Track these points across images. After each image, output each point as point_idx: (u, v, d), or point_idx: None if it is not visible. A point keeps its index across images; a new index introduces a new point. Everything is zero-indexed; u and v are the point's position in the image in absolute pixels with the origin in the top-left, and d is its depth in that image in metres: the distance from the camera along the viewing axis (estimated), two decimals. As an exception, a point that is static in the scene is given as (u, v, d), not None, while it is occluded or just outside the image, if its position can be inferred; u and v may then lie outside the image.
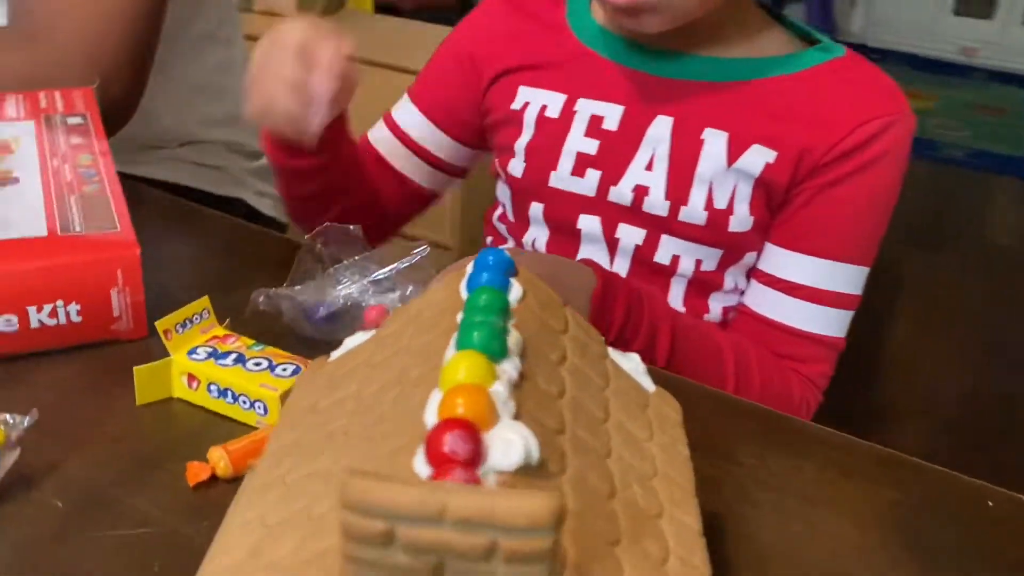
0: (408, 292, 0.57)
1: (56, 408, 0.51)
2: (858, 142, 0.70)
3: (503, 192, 0.82)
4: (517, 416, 0.30)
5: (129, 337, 0.57)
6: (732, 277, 0.76)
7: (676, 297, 0.76)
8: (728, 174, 0.71)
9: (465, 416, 0.28)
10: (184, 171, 1.07)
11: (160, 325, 0.52)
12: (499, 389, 0.30)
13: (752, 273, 0.76)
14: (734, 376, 0.69)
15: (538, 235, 0.79)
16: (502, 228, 0.84)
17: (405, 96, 0.86)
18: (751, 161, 0.70)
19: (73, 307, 0.55)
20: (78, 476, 0.48)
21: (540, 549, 0.23)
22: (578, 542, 0.28)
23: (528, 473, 0.28)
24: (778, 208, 0.73)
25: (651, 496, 0.34)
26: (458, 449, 0.27)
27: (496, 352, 0.32)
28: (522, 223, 0.80)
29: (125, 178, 0.66)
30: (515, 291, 0.37)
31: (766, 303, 0.74)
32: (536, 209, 0.78)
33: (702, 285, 0.76)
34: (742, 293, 0.77)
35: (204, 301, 0.55)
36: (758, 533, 0.47)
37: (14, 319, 0.54)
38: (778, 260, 0.73)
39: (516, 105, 0.78)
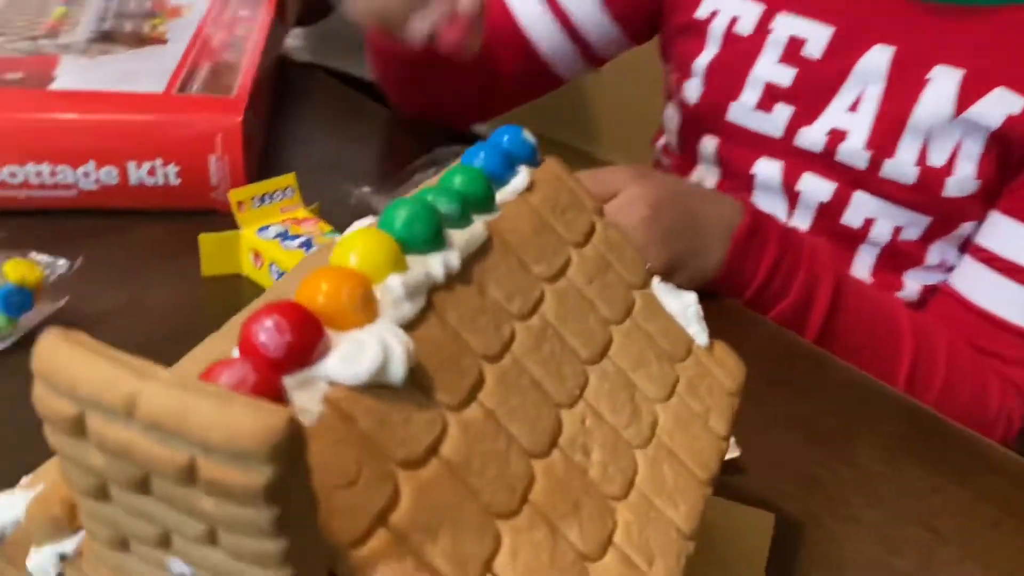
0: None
1: (124, 266, 0.50)
2: None
3: (671, 117, 0.71)
4: (417, 322, 0.23)
5: (227, 209, 0.55)
6: (939, 251, 0.61)
7: (863, 268, 0.62)
8: (954, 125, 0.56)
9: (319, 305, 0.21)
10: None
11: (234, 195, 0.49)
12: (393, 284, 0.23)
13: (967, 247, 0.60)
14: (909, 365, 0.55)
15: (706, 176, 0.68)
16: (666, 162, 0.73)
17: None
18: (989, 110, 0.55)
19: (172, 168, 0.53)
20: (122, 332, 0.46)
21: (248, 485, 0.15)
22: (434, 498, 0.20)
23: (391, 396, 0.21)
24: (1016, 168, 0.56)
25: (620, 470, 0.25)
26: (268, 341, 0.20)
27: (418, 239, 0.24)
28: (689, 158, 0.69)
29: (331, 74, 0.64)
30: (517, 181, 0.29)
31: (979, 286, 0.59)
32: (708, 144, 0.66)
33: (898, 256, 0.61)
34: (949, 270, 0.61)
35: (289, 178, 0.51)
36: (840, 558, 0.36)
37: (115, 172, 0.53)
38: (1004, 234, 0.58)
39: (702, 13, 0.65)
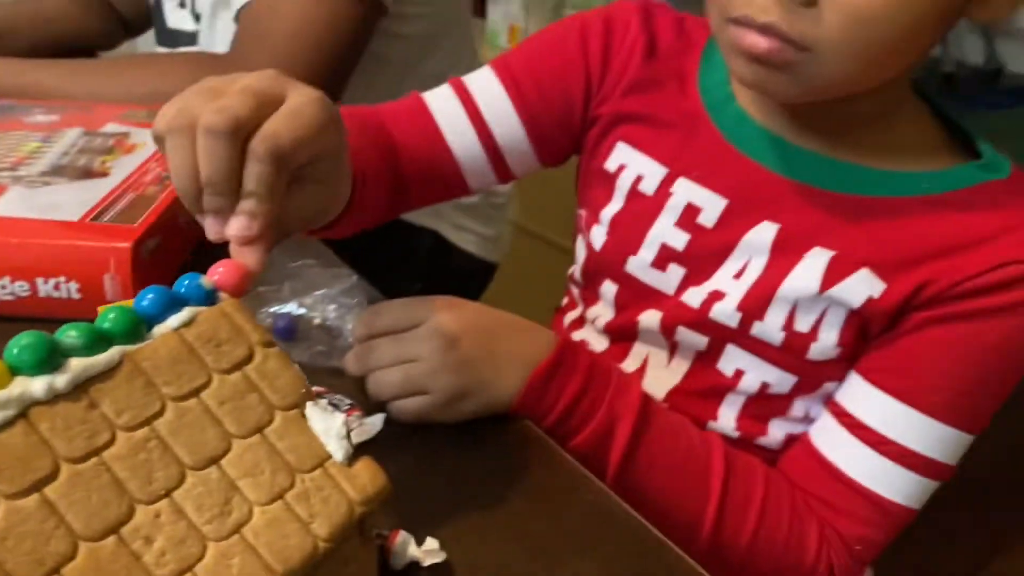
0: (330, 314, 0.57)
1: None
2: (996, 281, 0.57)
3: (580, 250, 0.76)
4: (6, 424, 0.30)
5: (120, 320, 0.64)
6: (803, 404, 0.65)
7: (729, 414, 0.66)
8: (820, 299, 0.60)
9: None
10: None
11: (103, 310, 0.58)
12: (-17, 396, 0.30)
13: (826, 399, 0.64)
14: (717, 507, 0.58)
15: (603, 313, 0.73)
16: (575, 291, 0.78)
17: (486, 67, 0.74)
18: (851, 289, 0.60)
19: (73, 284, 0.63)
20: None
21: None
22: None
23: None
24: (876, 336, 0.61)
25: (178, 558, 0.31)
26: None
27: (27, 364, 0.32)
28: (591, 295, 0.74)
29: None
30: (174, 319, 0.36)
31: (826, 437, 0.62)
32: (608, 288, 0.71)
33: (765, 406, 0.65)
34: (812, 421, 0.65)
35: (155, 297, 0.60)
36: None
37: (27, 286, 0.63)
38: (854, 391, 0.62)
39: (611, 165, 0.70)
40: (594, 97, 0.70)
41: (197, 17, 1.15)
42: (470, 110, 0.71)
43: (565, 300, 0.81)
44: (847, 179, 0.61)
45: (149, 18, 1.37)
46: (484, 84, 0.72)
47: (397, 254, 1.15)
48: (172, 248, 0.71)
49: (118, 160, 0.77)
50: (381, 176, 0.66)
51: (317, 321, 0.58)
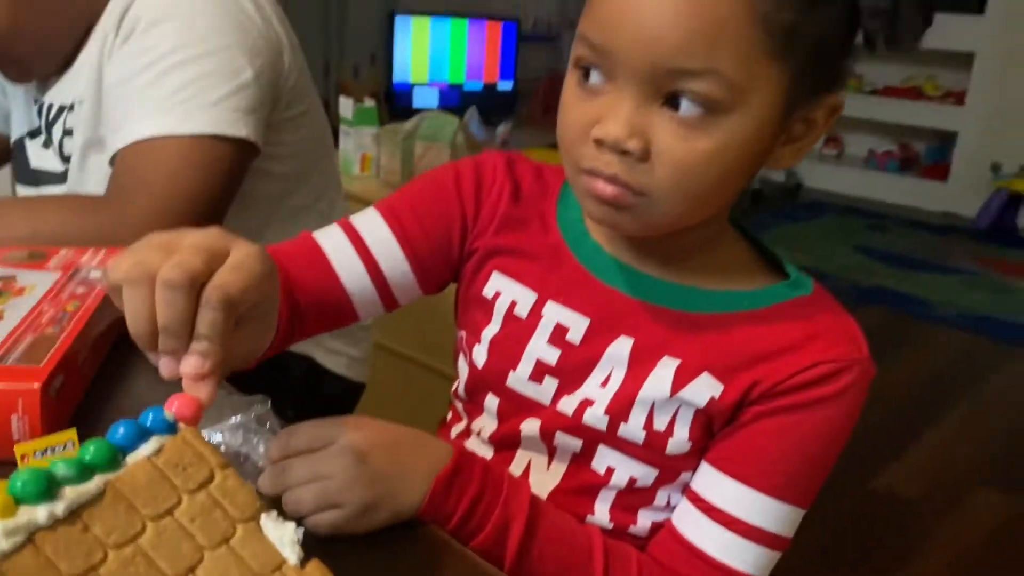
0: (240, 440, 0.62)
1: None
2: (811, 379, 0.68)
3: (462, 368, 0.83)
4: (14, 552, 0.34)
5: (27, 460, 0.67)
6: (665, 493, 0.75)
7: (603, 508, 0.75)
8: (672, 401, 0.71)
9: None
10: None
11: (19, 449, 0.60)
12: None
13: (683, 488, 0.74)
14: None
15: (486, 425, 0.80)
16: (458, 405, 0.86)
17: (372, 209, 0.81)
18: (697, 391, 0.70)
19: (-20, 425, 0.65)
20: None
21: None
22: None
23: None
24: (719, 429, 0.72)
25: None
26: None
27: (30, 495, 0.36)
28: (475, 408, 0.81)
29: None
30: (144, 448, 0.42)
31: (686, 520, 0.72)
32: (491, 401, 0.79)
33: (633, 498, 0.75)
34: (674, 509, 0.75)
35: (70, 432, 0.63)
36: None
37: (-67, 428, 0.65)
38: (705, 478, 0.72)
39: (488, 292, 0.78)
40: (470, 233, 0.80)
41: (65, 158, 1.18)
42: (359, 247, 0.79)
43: (450, 415, 0.88)
44: (684, 298, 0.73)
45: (4, 158, 1.38)
46: (371, 224, 0.80)
47: (272, 382, 1.19)
48: (73, 386, 0.74)
49: (9, 303, 0.79)
50: (283, 311, 0.73)
51: (232, 447, 0.63)
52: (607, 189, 0.63)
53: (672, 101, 0.60)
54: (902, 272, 3.85)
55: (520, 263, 0.78)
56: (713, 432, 0.72)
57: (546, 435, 0.75)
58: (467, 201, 0.80)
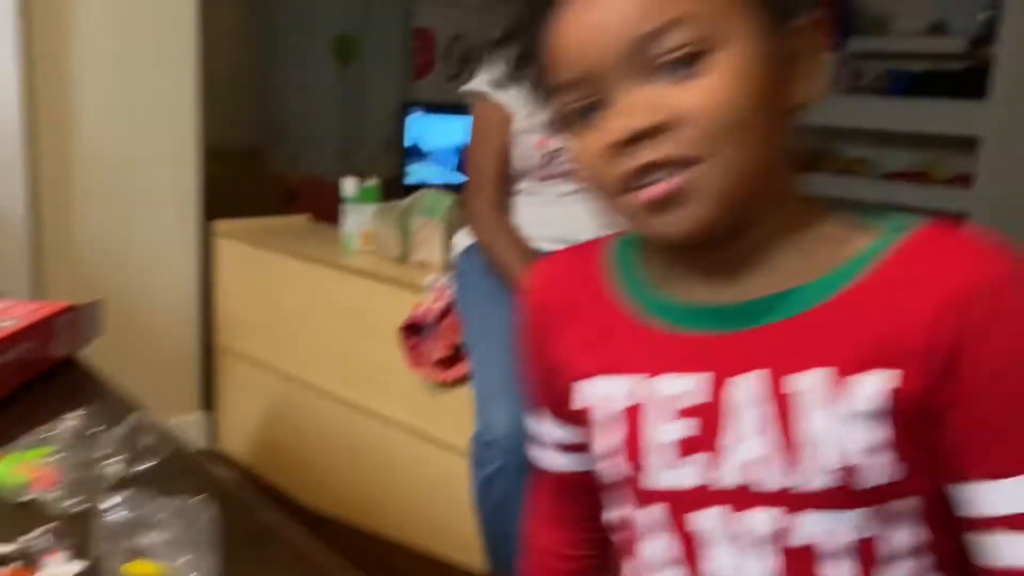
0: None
1: None
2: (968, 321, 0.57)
3: (608, 497, 0.75)
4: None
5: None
6: (897, 534, 0.62)
7: None
8: (842, 419, 0.59)
9: None
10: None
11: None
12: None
13: (959, 523, 0.61)
14: None
15: (655, 546, 0.69)
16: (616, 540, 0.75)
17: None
18: (870, 392, 0.59)
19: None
20: None
21: None
22: None
23: None
24: (929, 433, 0.59)
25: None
26: None
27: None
28: (630, 531, 0.71)
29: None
30: None
31: (998, 550, 0.59)
32: (645, 516, 0.69)
33: (862, 559, 0.62)
34: (927, 544, 0.63)
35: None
36: None
37: None
38: (969, 495, 0.59)
39: (576, 405, 0.71)
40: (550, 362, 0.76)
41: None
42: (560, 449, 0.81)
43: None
44: (791, 301, 0.62)
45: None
46: (543, 429, 0.81)
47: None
48: None
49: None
50: None
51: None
52: (657, 189, 0.59)
53: (660, 72, 0.59)
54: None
55: (595, 355, 0.70)
56: (921, 436, 0.59)
57: (726, 522, 0.64)
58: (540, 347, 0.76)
